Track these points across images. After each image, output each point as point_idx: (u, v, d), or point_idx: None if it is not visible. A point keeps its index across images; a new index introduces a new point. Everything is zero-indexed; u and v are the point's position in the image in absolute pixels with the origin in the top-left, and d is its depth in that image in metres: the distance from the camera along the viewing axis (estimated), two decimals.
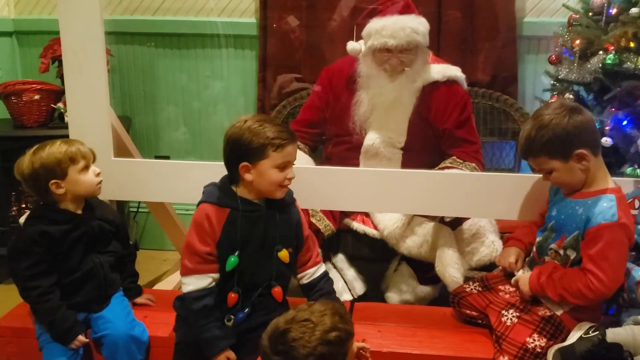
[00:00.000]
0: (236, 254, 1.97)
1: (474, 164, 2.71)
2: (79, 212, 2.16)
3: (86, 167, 2.13)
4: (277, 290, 2.05)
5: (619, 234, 1.89)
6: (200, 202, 2.01)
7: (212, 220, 1.96)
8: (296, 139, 2.00)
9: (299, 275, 2.17)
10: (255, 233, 2.00)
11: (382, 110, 2.72)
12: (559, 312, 2.01)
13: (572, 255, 1.98)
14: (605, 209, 1.91)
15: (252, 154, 1.93)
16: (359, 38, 2.74)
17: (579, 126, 1.92)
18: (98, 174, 2.17)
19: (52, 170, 2.07)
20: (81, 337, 2.08)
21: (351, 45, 2.75)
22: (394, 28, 2.57)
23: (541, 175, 2.12)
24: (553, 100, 1.95)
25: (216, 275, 1.98)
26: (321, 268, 2.19)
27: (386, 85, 2.68)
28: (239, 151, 1.94)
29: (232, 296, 2.00)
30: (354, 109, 2.77)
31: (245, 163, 1.94)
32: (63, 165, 2.08)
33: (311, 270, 2.15)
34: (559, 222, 2.05)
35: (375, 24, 2.62)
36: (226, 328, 1.98)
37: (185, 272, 1.97)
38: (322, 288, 2.15)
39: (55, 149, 2.09)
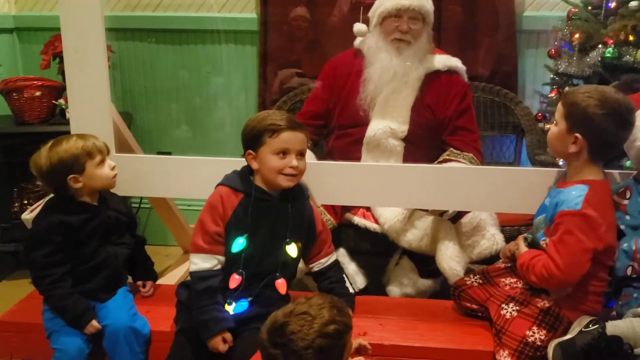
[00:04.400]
0: (244, 236, 2.02)
1: (471, 154, 2.74)
2: (95, 203, 2.20)
3: (102, 161, 2.17)
4: (280, 283, 2.08)
5: (579, 223, 1.90)
6: (217, 185, 2.07)
7: (225, 202, 2.02)
8: (298, 128, 2.03)
9: (311, 264, 2.23)
10: (265, 222, 2.04)
11: (390, 87, 2.74)
12: (554, 297, 2.02)
13: None
14: (573, 197, 1.93)
15: (254, 142, 2.02)
16: (365, 20, 2.82)
17: (599, 126, 1.93)
18: (113, 168, 2.21)
19: (70, 166, 2.11)
20: (95, 323, 2.09)
21: (357, 27, 2.86)
22: None
23: (540, 169, 2.23)
24: (628, 99, 1.98)
25: (222, 259, 2.02)
26: (332, 257, 2.26)
27: (394, 57, 2.72)
28: (245, 140, 2.04)
29: (236, 277, 2.03)
30: (363, 87, 2.79)
31: (249, 151, 2.03)
32: (81, 160, 2.12)
33: (323, 260, 2.23)
34: (547, 211, 2.07)
35: None
36: (226, 312, 2.00)
37: (195, 249, 2.01)
38: (332, 276, 2.23)
39: (72, 144, 2.12)
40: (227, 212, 2.02)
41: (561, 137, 2.01)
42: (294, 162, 2.01)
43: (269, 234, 2.06)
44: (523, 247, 2.12)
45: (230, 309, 2.03)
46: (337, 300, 1.63)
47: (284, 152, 2.00)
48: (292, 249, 2.09)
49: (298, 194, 2.13)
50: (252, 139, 2.02)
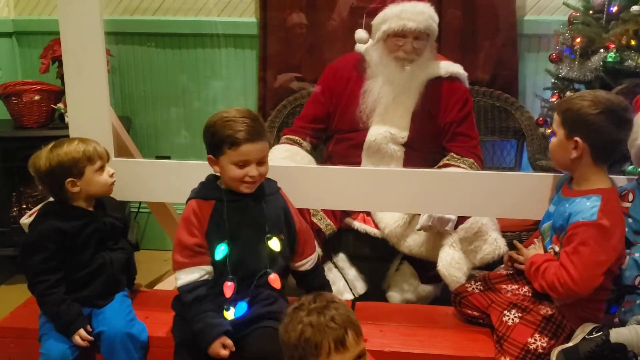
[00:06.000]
0: (225, 242, 2.01)
1: (471, 160, 2.73)
2: (91, 209, 2.19)
3: (102, 168, 2.17)
4: (273, 278, 2.07)
5: (595, 234, 1.88)
6: (186, 200, 2.07)
7: (198, 213, 2.01)
8: (258, 138, 1.98)
9: (298, 264, 2.22)
10: (243, 222, 2.04)
11: (390, 100, 2.74)
12: (558, 304, 2.00)
13: None
14: (587, 207, 1.92)
15: (214, 149, 2.00)
16: (367, 26, 2.80)
17: (594, 125, 1.93)
18: (112, 175, 2.21)
19: (70, 169, 2.10)
20: (83, 333, 2.07)
21: (359, 34, 2.84)
22: (413, 12, 2.65)
23: (541, 174, 2.23)
24: (621, 98, 2.00)
25: (209, 268, 2.01)
26: (316, 255, 2.27)
27: (397, 73, 2.72)
28: (206, 144, 2.03)
29: (229, 285, 2.02)
30: (363, 98, 2.79)
31: (210, 156, 2.02)
32: (81, 164, 2.11)
33: (311, 257, 2.23)
34: (554, 219, 2.06)
35: (392, 9, 2.68)
36: (221, 317, 1.98)
37: (177, 266, 2.00)
38: (320, 273, 2.28)
39: (73, 148, 2.12)
40: (202, 222, 2.01)
41: (561, 146, 2.01)
42: (253, 172, 1.99)
43: (250, 234, 2.05)
44: (540, 250, 2.12)
45: (231, 313, 2.01)
46: (354, 329, 1.58)
47: (243, 163, 1.98)
48: (274, 243, 2.08)
49: (269, 188, 2.13)
50: (212, 146, 2.00)
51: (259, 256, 2.06)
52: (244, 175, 1.98)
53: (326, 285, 2.31)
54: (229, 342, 1.94)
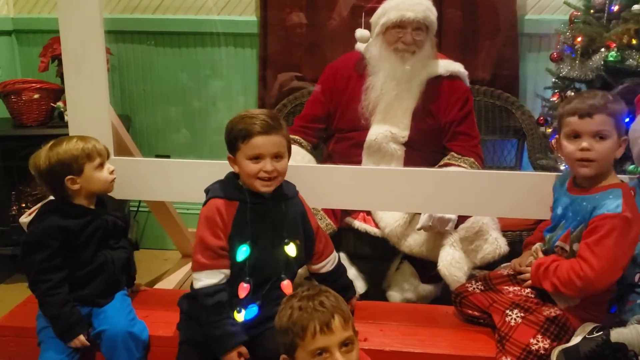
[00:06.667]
0: (247, 243, 2.00)
1: (472, 159, 2.73)
2: (92, 207, 2.19)
3: (101, 165, 2.17)
4: (286, 284, 2.07)
5: (620, 226, 1.88)
6: (209, 198, 2.03)
7: (223, 213, 1.98)
8: (272, 131, 1.96)
9: (318, 265, 2.22)
10: (264, 225, 2.03)
11: (392, 95, 2.74)
12: (562, 306, 2.00)
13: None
14: (611, 200, 1.92)
15: (230, 146, 2.00)
16: (367, 25, 2.81)
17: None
18: (112, 172, 2.21)
19: (69, 166, 2.10)
20: (82, 338, 2.07)
21: (359, 33, 2.85)
22: (411, 3, 2.66)
23: (542, 173, 2.21)
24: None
25: (227, 272, 1.99)
26: (336, 255, 2.27)
27: (398, 67, 2.72)
28: (226, 143, 2.02)
29: (244, 286, 2.01)
30: (365, 94, 2.78)
31: (229, 155, 2.01)
32: (80, 161, 2.12)
33: (331, 257, 2.24)
34: (564, 218, 2.05)
35: (390, 2, 2.70)
36: (238, 325, 1.98)
37: (199, 267, 1.98)
38: (344, 273, 2.30)
39: (72, 146, 2.12)
40: (226, 224, 1.98)
41: (614, 148, 1.98)
42: (268, 167, 1.95)
43: (270, 237, 2.04)
44: (541, 255, 2.12)
45: (241, 316, 2.00)
46: (342, 315, 1.59)
47: (257, 157, 1.96)
48: (291, 249, 2.07)
49: (289, 192, 2.11)
50: (229, 144, 1.99)
51: (275, 261, 2.05)
52: (258, 171, 1.95)
53: (351, 286, 2.32)
54: (245, 350, 1.95)
